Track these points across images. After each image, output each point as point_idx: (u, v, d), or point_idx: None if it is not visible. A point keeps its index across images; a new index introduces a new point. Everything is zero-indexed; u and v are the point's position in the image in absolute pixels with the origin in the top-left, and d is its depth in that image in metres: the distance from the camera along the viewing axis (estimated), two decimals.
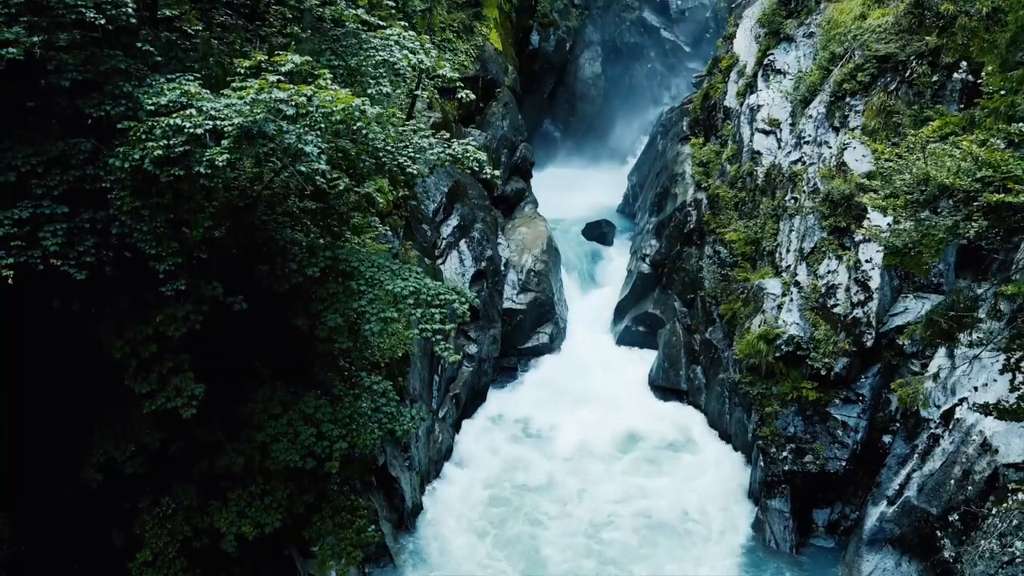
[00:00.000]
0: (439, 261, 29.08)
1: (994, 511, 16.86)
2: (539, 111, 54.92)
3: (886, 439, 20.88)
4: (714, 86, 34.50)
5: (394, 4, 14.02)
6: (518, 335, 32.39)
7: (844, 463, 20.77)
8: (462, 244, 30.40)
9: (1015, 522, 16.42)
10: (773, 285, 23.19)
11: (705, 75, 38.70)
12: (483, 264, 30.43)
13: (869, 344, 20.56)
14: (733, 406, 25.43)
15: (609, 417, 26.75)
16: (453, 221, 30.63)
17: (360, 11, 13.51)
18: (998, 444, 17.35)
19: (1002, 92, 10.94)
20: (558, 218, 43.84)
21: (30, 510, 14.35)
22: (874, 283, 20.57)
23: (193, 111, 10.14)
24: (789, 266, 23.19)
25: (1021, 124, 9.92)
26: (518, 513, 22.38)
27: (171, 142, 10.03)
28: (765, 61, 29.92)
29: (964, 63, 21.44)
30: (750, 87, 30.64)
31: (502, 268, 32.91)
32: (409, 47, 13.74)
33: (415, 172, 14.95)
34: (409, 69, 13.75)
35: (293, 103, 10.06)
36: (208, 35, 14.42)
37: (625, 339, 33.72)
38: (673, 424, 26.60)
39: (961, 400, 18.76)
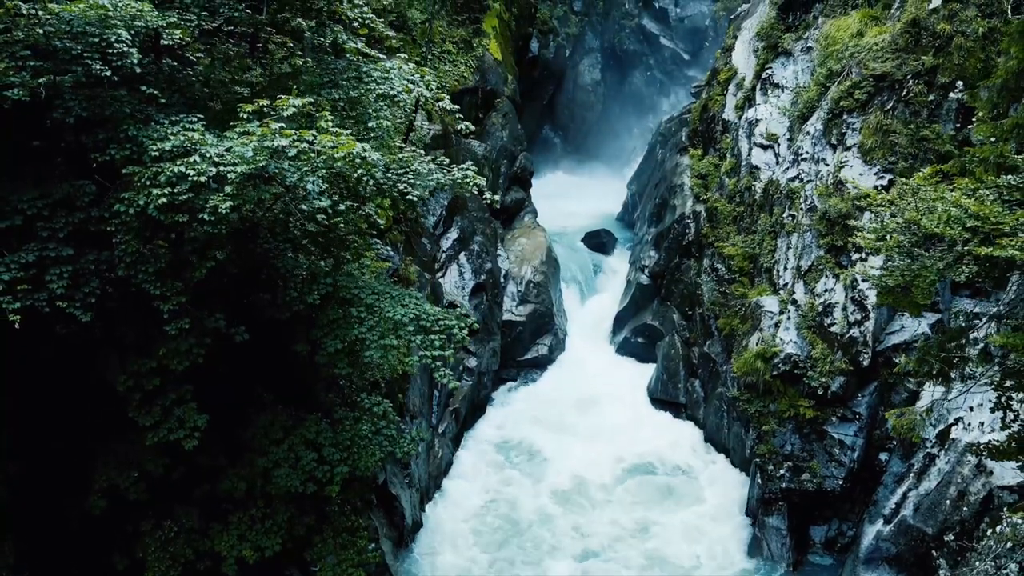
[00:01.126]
0: (439, 274, 29.22)
1: (989, 532, 17.01)
2: (539, 117, 55.14)
3: (883, 456, 21.02)
4: (713, 98, 34.63)
5: (394, 34, 14.13)
6: (517, 347, 32.53)
7: (841, 482, 20.91)
8: (462, 257, 30.53)
9: (1009, 544, 16.56)
10: (771, 303, 23.35)
11: (704, 86, 38.83)
12: (482, 277, 30.56)
13: (866, 363, 20.70)
14: (731, 421, 25.56)
15: (607, 435, 26.77)
16: (453, 234, 30.76)
17: (360, 44, 13.65)
18: (992, 466, 17.51)
19: (992, 140, 11.07)
20: (558, 226, 43.95)
21: (34, 536, 14.48)
22: (870, 302, 20.69)
23: (197, 158, 10.29)
24: (787, 284, 23.35)
25: (1010, 176, 10.07)
26: (514, 541, 22.22)
27: (175, 190, 10.19)
28: (763, 75, 30.05)
29: (960, 83, 21.58)
30: (748, 101, 30.78)
31: (501, 280, 33.05)
32: (408, 78, 13.89)
33: (415, 199, 15.12)
34: (409, 100, 13.89)
35: (295, 148, 10.21)
36: (210, 60, 14.56)
37: (624, 350, 33.89)
38: (671, 440, 26.68)
39: (956, 420, 18.92)
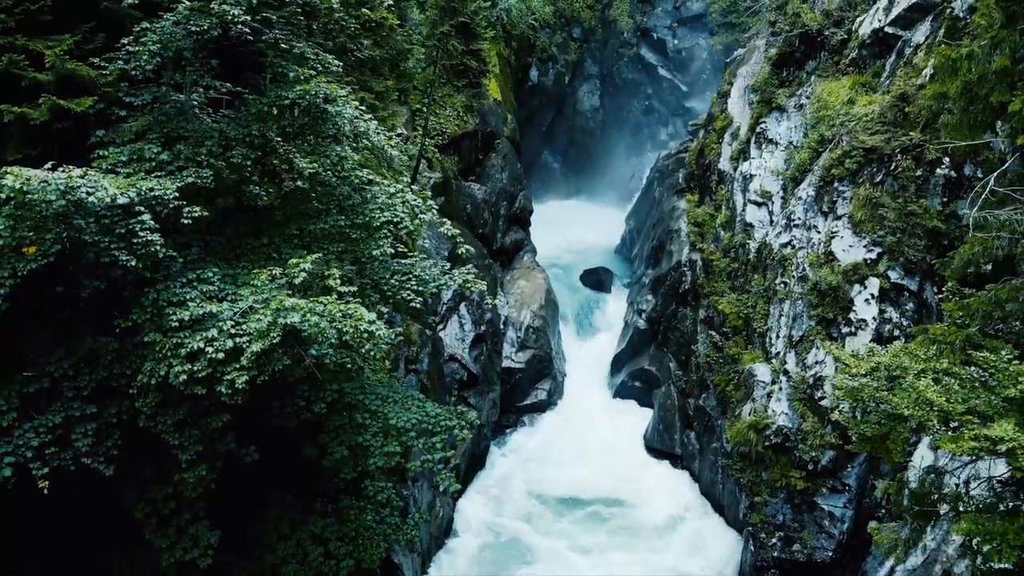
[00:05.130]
0: (439, 328, 29.76)
1: None
2: (538, 142, 55.81)
3: (872, 525, 21.58)
4: (709, 145, 35.20)
5: (397, 152, 14.71)
6: (517, 392, 33.11)
7: (831, 553, 21.50)
8: (462, 308, 31.06)
9: None
10: (763, 372, 23.93)
11: (701, 126, 39.41)
12: (483, 327, 31.10)
13: (855, 438, 21.25)
14: (726, 477, 26.10)
15: (602, 502, 27.13)
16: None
17: (366, 172, 14.24)
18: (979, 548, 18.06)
19: (959, 318, 11.61)
20: (556, 258, 44.61)
21: None
22: None
23: (215, 332, 10.88)
24: (779, 352, 23.93)
25: (973, 368, 10.67)
26: None
27: (195, 366, 10.79)
28: (758, 128, 30.61)
29: (947, 159, 22.15)
30: (743, 153, 31.33)
31: (501, 326, 33.60)
32: (411, 203, 14.50)
33: (418, 305, 15.74)
34: (409, 222, 14.49)
35: (306, 324, 10.81)
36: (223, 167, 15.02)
37: (622, 393, 34.48)
38: (667, 499, 27.15)
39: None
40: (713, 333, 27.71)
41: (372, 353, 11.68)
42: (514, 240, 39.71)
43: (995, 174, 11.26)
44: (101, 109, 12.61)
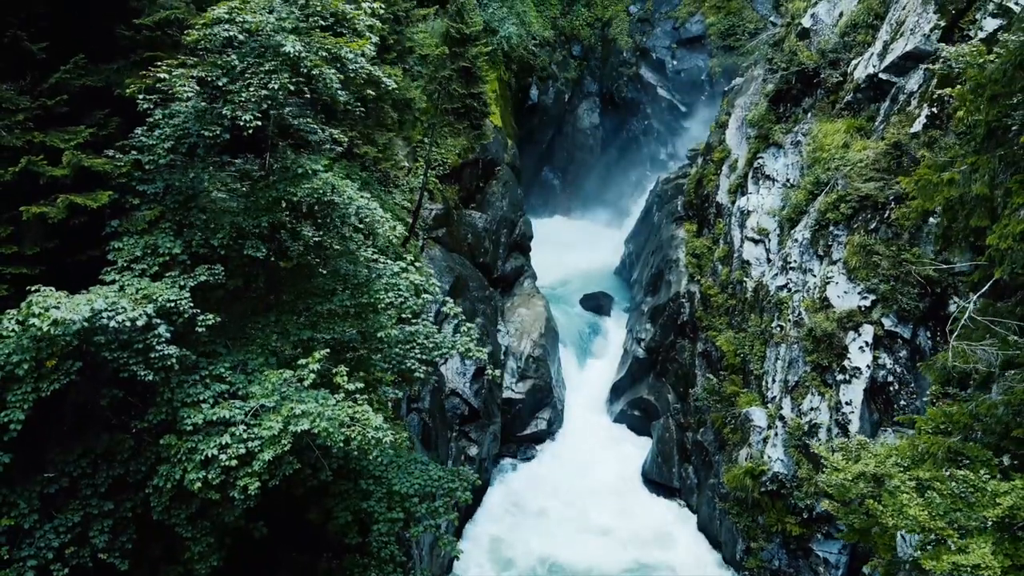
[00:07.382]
0: (441, 363, 30.15)
1: None
2: (538, 160, 56.29)
3: (866, 570, 22.01)
4: (707, 176, 35.61)
5: (397, 234, 15.14)
6: (517, 423, 33.49)
7: None
8: None
9: None
10: (759, 416, 24.35)
11: (699, 153, 39.79)
12: (483, 361, 31.44)
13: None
14: (723, 514, 26.53)
15: (599, 538, 27.46)
16: (454, 320, 31.58)
17: (371, 251, 14.67)
18: None
19: (943, 424, 12.04)
20: (557, 281, 45.00)
21: None
22: (854, 426, 21.68)
23: (228, 438, 11.30)
24: (775, 397, 24.34)
25: (953, 484, 11.09)
26: None
27: (208, 473, 11.21)
28: (755, 164, 31.00)
29: (939, 208, 22.52)
30: (741, 188, 31.73)
31: (501, 357, 33.97)
32: (415, 282, 14.94)
33: (421, 375, 16.18)
34: (415, 299, 14.92)
35: (316, 430, 11.25)
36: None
37: (620, 422, 34.96)
38: (664, 539, 27.51)
39: None
40: (711, 377, 28.10)
41: (379, 459, 12.06)
42: (514, 267, 40.11)
43: (975, 297, 11.69)
44: (115, 199, 13.02)
